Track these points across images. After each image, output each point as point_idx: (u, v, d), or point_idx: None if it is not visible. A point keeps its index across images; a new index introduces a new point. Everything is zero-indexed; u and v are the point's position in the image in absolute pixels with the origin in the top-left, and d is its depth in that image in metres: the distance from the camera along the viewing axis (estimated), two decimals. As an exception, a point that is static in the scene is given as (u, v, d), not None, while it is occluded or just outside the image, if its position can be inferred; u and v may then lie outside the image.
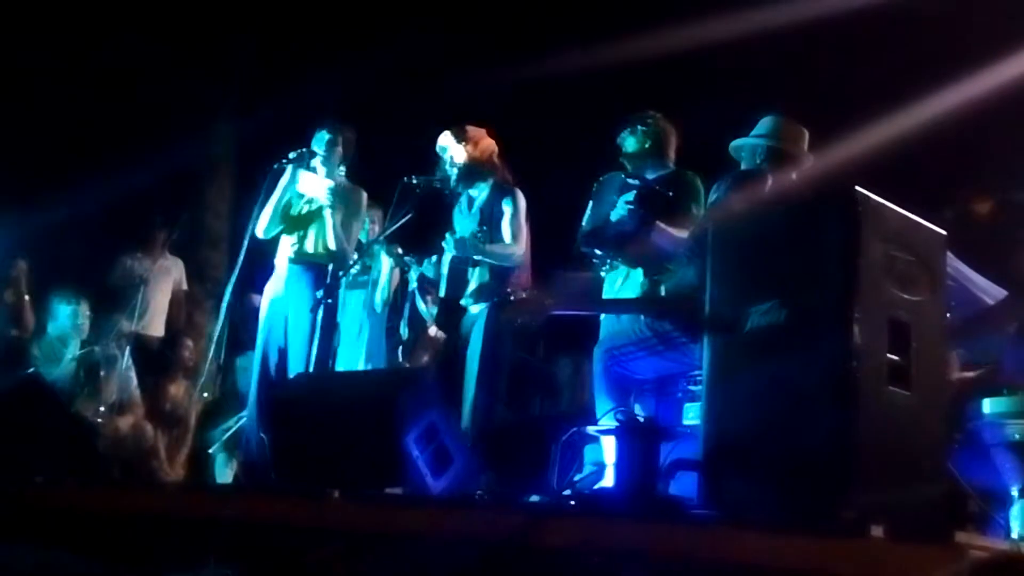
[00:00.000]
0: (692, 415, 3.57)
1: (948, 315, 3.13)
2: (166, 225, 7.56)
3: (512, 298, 3.88)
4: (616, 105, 5.09)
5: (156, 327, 7.45)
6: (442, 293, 4.82)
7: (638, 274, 4.28)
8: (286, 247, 5.01)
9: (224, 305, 5.18)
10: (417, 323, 6.61)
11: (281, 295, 4.94)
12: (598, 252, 4.38)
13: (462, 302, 4.75)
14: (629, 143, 4.53)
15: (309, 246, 4.97)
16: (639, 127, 4.52)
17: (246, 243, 4.98)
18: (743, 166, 3.99)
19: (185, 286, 7.88)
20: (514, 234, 4.71)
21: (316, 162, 5.05)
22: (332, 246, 4.91)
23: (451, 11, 9.07)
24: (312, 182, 4.99)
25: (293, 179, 4.98)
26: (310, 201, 5.01)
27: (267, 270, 5.11)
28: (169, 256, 7.64)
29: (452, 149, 4.85)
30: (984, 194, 4.20)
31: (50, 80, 8.62)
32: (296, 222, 5.02)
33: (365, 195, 5.11)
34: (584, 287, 4.63)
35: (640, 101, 4.77)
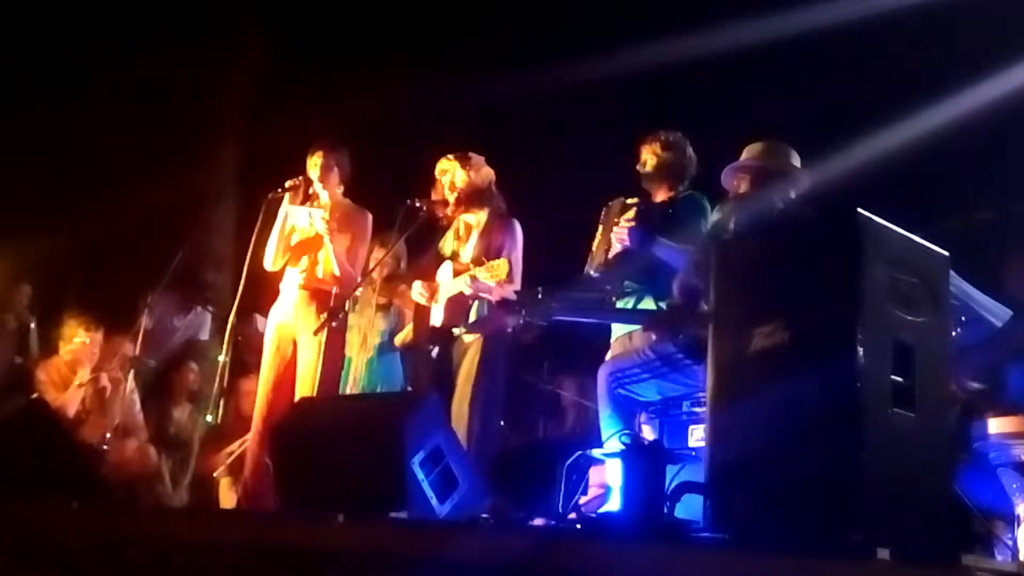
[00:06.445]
0: (697, 437, 3.56)
1: (955, 332, 3.14)
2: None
3: (517, 296, 3.82)
4: (620, 126, 5.09)
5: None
6: (438, 321, 4.78)
7: (647, 299, 4.27)
8: (293, 273, 5.02)
9: (228, 329, 5.18)
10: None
11: (289, 320, 4.95)
12: (607, 286, 4.34)
13: (456, 331, 4.67)
14: (648, 160, 4.49)
15: (317, 272, 4.98)
16: (660, 145, 4.47)
17: (246, 268, 5.00)
18: (741, 189, 3.99)
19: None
20: (511, 272, 4.59)
21: (313, 187, 5.05)
22: (336, 272, 4.92)
23: (455, 32, 9.13)
24: (302, 214, 5.00)
25: (289, 210, 5.00)
26: (311, 228, 5.01)
27: (272, 293, 5.12)
28: None
29: (453, 173, 4.81)
30: (986, 207, 4.19)
31: (53, 104, 8.68)
32: (301, 250, 5.02)
33: (370, 217, 5.09)
34: (593, 297, 4.58)
35: (647, 122, 4.76)
